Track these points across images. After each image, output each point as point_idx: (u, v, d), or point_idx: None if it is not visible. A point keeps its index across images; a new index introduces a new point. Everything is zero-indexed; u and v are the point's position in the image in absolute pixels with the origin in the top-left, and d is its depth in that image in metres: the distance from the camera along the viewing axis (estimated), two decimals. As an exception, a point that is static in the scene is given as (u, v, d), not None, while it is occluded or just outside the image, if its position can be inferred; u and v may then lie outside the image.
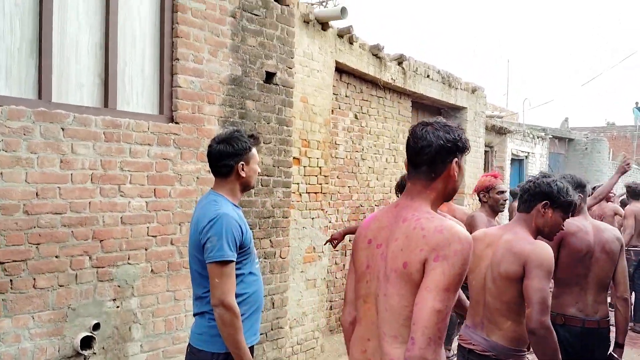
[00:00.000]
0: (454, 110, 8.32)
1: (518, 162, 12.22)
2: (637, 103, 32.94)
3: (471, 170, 8.50)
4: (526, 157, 12.39)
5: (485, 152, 9.70)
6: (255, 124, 4.07)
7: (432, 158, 1.63)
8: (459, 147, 1.65)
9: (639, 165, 17.93)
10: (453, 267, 1.49)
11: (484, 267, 2.43)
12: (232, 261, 2.17)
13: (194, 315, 2.33)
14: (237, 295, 2.20)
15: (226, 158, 2.31)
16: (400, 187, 4.26)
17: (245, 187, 2.40)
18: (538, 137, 12.99)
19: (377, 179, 6.55)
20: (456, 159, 1.65)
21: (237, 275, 2.22)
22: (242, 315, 2.21)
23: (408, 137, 1.70)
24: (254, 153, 2.39)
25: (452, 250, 1.50)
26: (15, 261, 2.73)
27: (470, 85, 8.43)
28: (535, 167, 12.60)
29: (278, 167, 4.32)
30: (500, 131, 10.54)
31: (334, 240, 4.52)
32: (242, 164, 2.32)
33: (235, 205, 2.34)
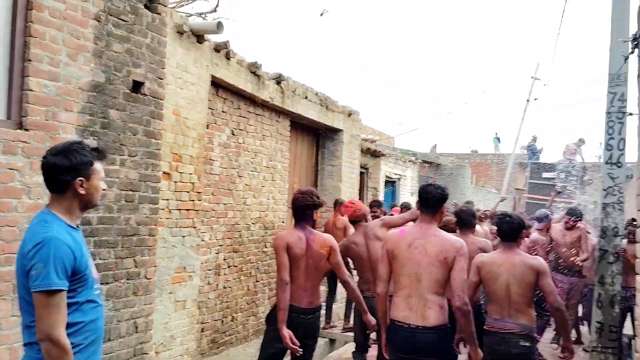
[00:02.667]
0: (331, 132, 8.60)
1: (391, 184, 12.93)
2: (496, 133, 39.30)
3: (346, 190, 8.80)
4: (399, 179, 13.16)
5: (361, 173, 10.13)
6: (119, 134, 3.83)
7: (435, 203, 3.27)
8: (447, 197, 3.33)
9: (497, 190, 19.87)
10: (467, 259, 3.19)
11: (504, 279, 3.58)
12: (61, 290, 1.96)
13: (23, 345, 2.08)
14: (71, 325, 2.01)
15: (62, 173, 2.06)
16: (371, 205, 7.09)
17: (86, 205, 2.17)
18: (409, 161, 13.89)
19: (254, 197, 6.50)
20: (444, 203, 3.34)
21: (72, 305, 2.03)
22: (77, 346, 2.02)
23: (421, 190, 3.35)
24: (98, 168, 2.16)
25: (465, 251, 3.17)
26: None
27: (347, 109, 8.78)
28: (407, 188, 13.44)
29: (145, 182, 4.09)
30: (375, 154, 11.09)
31: None
32: (82, 180, 2.09)
33: (70, 227, 2.11)
